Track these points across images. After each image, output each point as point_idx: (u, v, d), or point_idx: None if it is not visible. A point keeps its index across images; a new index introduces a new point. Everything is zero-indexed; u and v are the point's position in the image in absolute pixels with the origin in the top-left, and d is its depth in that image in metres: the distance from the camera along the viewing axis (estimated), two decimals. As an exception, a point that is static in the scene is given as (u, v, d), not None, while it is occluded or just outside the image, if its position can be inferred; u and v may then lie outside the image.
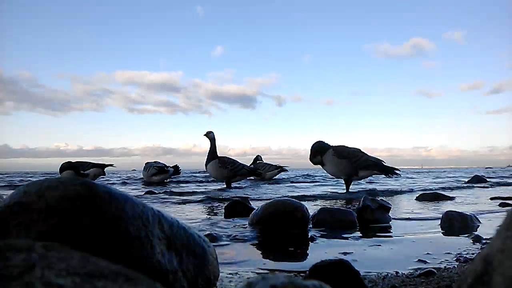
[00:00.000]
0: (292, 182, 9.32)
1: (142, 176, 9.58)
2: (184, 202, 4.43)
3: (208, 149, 7.73)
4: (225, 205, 3.09)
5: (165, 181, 9.05)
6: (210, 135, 7.75)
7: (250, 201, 3.25)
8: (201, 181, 9.67)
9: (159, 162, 9.12)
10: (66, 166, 8.19)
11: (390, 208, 2.85)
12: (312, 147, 5.94)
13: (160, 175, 8.80)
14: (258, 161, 10.85)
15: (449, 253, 1.69)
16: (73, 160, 8.65)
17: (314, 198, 5.00)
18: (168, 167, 8.97)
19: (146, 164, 9.13)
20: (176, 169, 9.12)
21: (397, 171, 5.91)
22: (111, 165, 9.00)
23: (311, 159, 5.98)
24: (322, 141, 5.97)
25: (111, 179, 11.04)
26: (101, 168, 8.68)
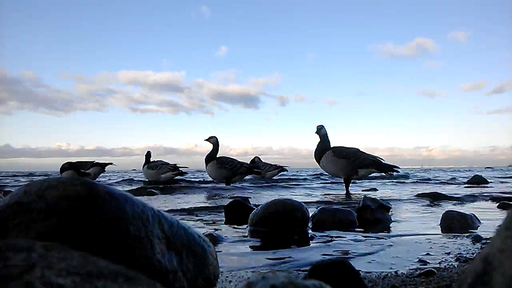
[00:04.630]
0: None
1: (143, 176, 9.68)
2: (184, 202, 4.43)
3: (209, 150, 7.77)
4: (225, 205, 3.09)
5: (167, 181, 9.15)
6: (212, 140, 7.78)
7: (250, 201, 3.25)
8: (201, 181, 9.68)
9: (162, 161, 9.34)
10: (66, 167, 8.32)
11: (390, 208, 2.86)
12: (315, 151, 6.10)
13: (170, 173, 9.02)
14: (256, 162, 10.82)
15: (449, 253, 1.69)
16: (74, 160, 8.84)
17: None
18: (179, 168, 9.21)
19: (155, 162, 9.26)
20: (182, 173, 9.34)
21: (396, 169, 5.94)
22: (110, 163, 9.11)
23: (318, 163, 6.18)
24: (323, 144, 6.07)
25: (111, 179, 11.05)
26: (101, 166, 8.81)
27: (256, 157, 11.06)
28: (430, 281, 1.22)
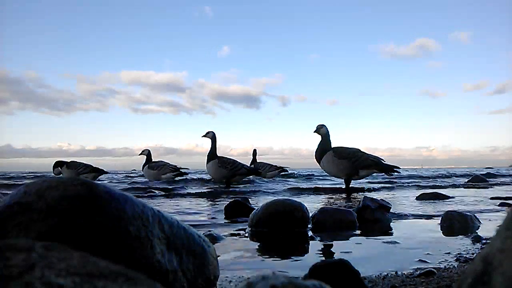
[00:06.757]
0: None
1: (144, 176, 9.73)
2: (184, 202, 4.43)
3: (209, 149, 7.78)
4: (225, 205, 3.09)
5: (168, 181, 9.20)
6: (209, 135, 7.80)
7: (250, 201, 3.25)
8: (201, 181, 9.69)
9: (163, 161, 9.40)
10: (54, 166, 9.06)
11: (390, 208, 2.85)
12: (316, 151, 6.08)
13: (171, 173, 9.08)
14: (258, 162, 10.94)
15: (449, 253, 1.69)
16: (73, 160, 9.21)
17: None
18: (180, 168, 9.27)
19: (155, 162, 9.32)
20: (182, 173, 9.38)
21: (397, 169, 5.94)
22: (102, 169, 9.35)
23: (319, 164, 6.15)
24: (323, 144, 6.07)
25: (112, 179, 11.05)
26: (96, 172, 9.11)
27: (254, 149, 11.38)
28: (430, 281, 1.22)
